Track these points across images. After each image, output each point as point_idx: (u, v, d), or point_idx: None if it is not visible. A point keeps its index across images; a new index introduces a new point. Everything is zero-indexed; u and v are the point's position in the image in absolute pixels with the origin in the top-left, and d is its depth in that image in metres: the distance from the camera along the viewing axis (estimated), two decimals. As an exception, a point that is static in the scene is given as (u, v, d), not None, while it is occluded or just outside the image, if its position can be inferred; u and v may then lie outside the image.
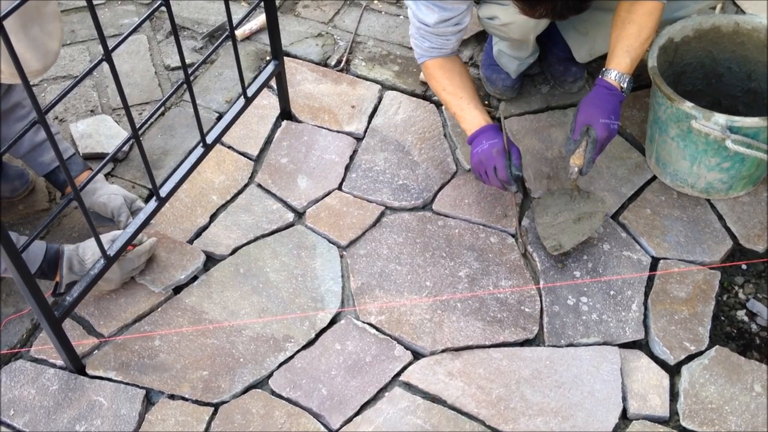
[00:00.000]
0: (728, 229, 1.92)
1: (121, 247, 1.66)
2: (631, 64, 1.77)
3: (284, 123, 2.20)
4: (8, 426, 1.59)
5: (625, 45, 1.76)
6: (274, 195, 2.02)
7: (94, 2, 1.33)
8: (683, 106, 1.79)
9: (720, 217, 1.95)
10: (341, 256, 1.89)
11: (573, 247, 1.83)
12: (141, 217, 1.71)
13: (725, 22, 1.98)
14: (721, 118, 1.75)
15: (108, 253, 1.62)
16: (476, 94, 1.94)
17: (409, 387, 1.66)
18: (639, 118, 2.17)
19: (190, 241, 1.91)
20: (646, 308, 1.77)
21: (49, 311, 1.51)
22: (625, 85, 1.77)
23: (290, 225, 1.96)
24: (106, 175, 2.06)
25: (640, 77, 2.17)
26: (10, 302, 1.78)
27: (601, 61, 1.91)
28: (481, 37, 2.41)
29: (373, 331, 1.75)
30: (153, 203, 1.74)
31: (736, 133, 1.75)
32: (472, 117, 1.89)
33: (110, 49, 1.39)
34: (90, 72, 1.38)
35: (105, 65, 1.41)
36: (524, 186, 2.02)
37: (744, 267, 1.86)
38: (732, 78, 2.06)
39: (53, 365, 1.68)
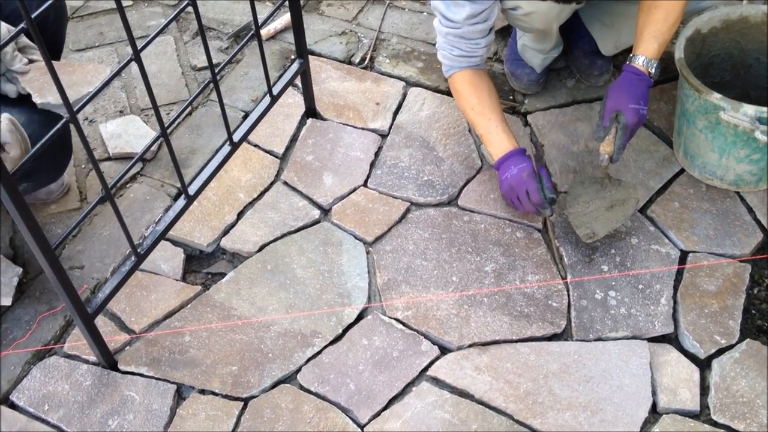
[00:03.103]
0: (758, 222, 1.90)
1: (151, 244, 1.68)
2: (658, 49, 1.76)
3: (309, 121, 2.21)
4: (43, 421, 1.62)
5: (652, 30, 1.75)
6: (300, 192, 2.04)
7: (122, 4, 1.35)
8: (711, 97, 1.77)
9: (750, 210, 1.92)
10: (367, 252, 1.90)
11: (607, 234, 1.82)
12: (170, 215, 1.74)
13: (753, 12, 1.96)
14: (750, 109, 1.73)
15: (138, 251, 1.65)
16: (503, 115, 1.92)
17: (436, 382, 1.66)
18: (666, 111, 2.15)
19: (219, 239, 1.93)
20: (675, 302, 1.76)
21: (82, 308, 1.54)
22: (653, 70, 1.76)
23: (316, 222, 1.97)
24: (135, 175, 2.09)
25: (667, 69, 2.15)
26: (44, 300, 1.81)
27: (627, 53, 1.89)
28: (506, 33, 2.41)
29: (400, 326, 1.75)
30: (182, 201, 1.76)
31: (765, 124, 1.73)
32: (499, 141, 1.87)
33: (138, 49, 1.42)
34: (119, 72, 1.40)
35: (133, 66, 1.43)
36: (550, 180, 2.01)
37: (775, 260, 1.84)
38: (761, 69, 2.03)
39: (86, 361, 1.71)
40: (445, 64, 1.96)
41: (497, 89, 1.97)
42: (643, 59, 1.75)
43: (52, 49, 1.90)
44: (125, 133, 2.17)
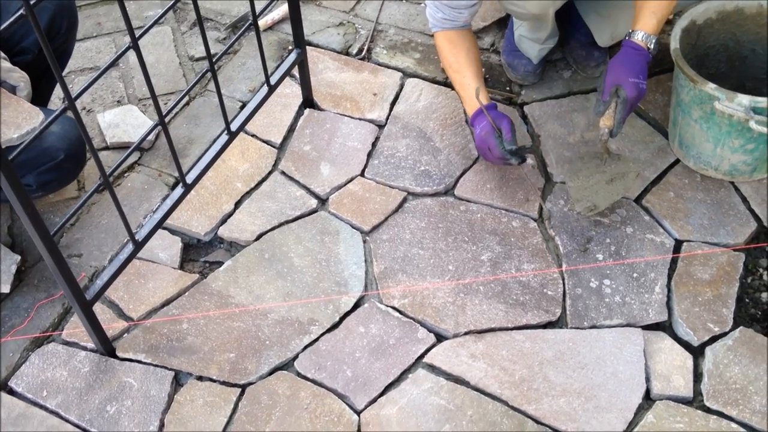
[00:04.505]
0: (752, 211, 1.91)
1: (149, 232, 1.69)
2: (657, 24, 1.78)
3: (307, 111, 2.22)
4: (41, 407, 1.63)
5: (651, 6, 1.77)
6: (297, 182, 2.05)
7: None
8: (706, 87, 1.78)
9: (744, 200, 1.94)
10: (364, 241, 1.91)
11: (608, 207, 1.85)
12: (168, 203, 1.74)
13: (749, 4, 1.97)
14: (744, 99, 1.74)
15: (136, 238, 1.66)
16: (480, 73, 1.99)
17: (432, 369, 1.68)
18: (662, 102, 2.16)
19: (216, 228, 1.94)
20: (669, 290, 1.77)
21: (81, 295, 1.55)
22: (652, 46, 1.78)
23: (314, 211, 1.98)
24: (133, 164, 2.10)
25: (663, 61, 2.17)
26: (42, 287, 1.82)
27: (623, 43, 1.90)
28: (502, 24, 2.41)
29: (397, 314, 1.77)
30: (179, 190, 1.77)
31: (760, 114, 1.74)
32: (470, 98, 1.94)
33: (137, 37, 1.42)
34: (117, 59, 1.41)
35: (131, 56, 1.44)
36: (546, 170, 2.02)
37: (769, 249, 1.85)
38: (756, 60, 2.04)
39: (84, 348, 1.72)
40: (431, 23, 2.05)
41: (494, 80, 1.98)
42: (643, 34, 1.77)
43: (59, 58, 1.92)
44: (123, 122, 2.18)
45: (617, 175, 1.86)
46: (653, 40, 1.78)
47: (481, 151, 1.96)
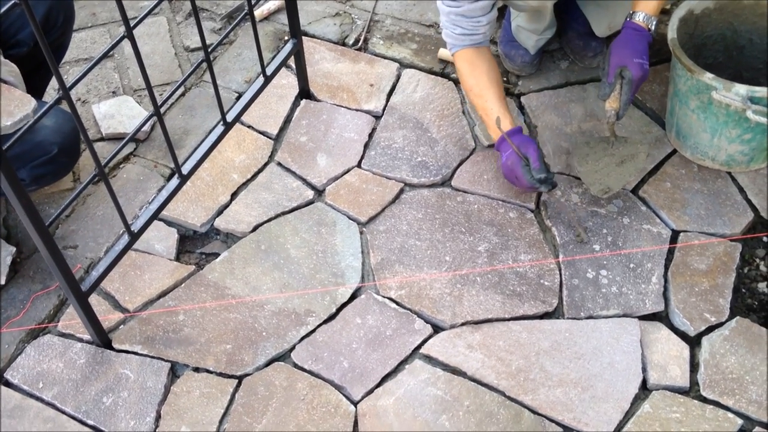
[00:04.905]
0: (749, 202, 1.91)
1: (144, 223, 1.69)
2: (656, 6, 1.79)
3: (303, 102, 2.21)
4: (37, 398, 1.63)
5: None
6: (293, 173, 2.04)
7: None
8: (703, 77, 1.78)
9: (741, 190, 1.94)
10: (361, 233, 1.91)
11: (622, 188, 1.85)
12: (164, 194, 1.74)
13: (746, -7, 1.96)
14: (741, 89, 1.73)
15: (132, 229, 1.65)
16: (501, 95, 1.92)
17: (429, 359, 1.68)
18: (659, 93, 2.16)
19: (212, 219, 1.94)
20: (666, 281, 1.77)
21: (76, 286, 1.55)
22: (653, 27, 1.79)
23: (310, 202, 1.98)
24: (129, 156, 2.09)
25: (660, 51, 2.16)
26: (38, 279, 1.82)
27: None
28: (500, 14, 2.40)
29: (393, 305, 1.76)
30: (175, 181, 1.76)
31: (757, 103, 1.74)
32: (494, 124, 1.89)
33: (131, 26, 1.41)
34: (112, 48, 1.40)
35: (126, 47, 1.43)
36: (543, 161, 2.02)
37: (765, 239, 1.85)
38: (753, 50, 2.03)
39: (80, 340, 1.72)
40: (449, 43, 1.98)
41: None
42: (643, 15, 1.78)
43: (56, 52, 1.91)
44: (118, 113, 2.17)
45: (627, 156, 1.86)
46: (654, 22, 1.79)
47: (508, 179, 1.90)
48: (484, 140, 2.08)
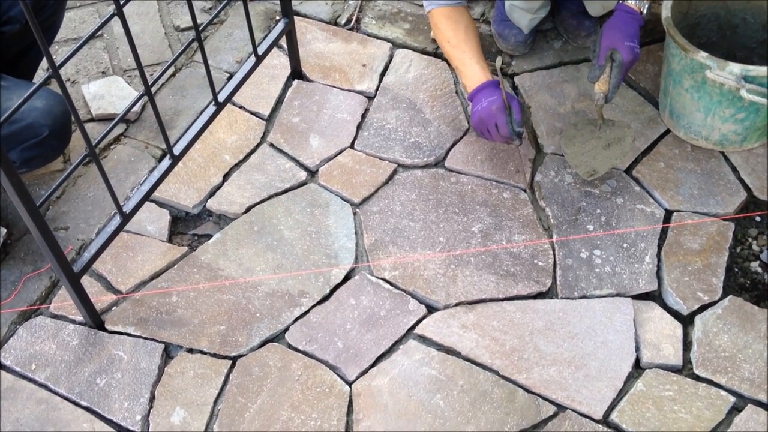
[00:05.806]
0: (742, 181, 1.91)
1: (136, 204, 1.67)
2: None
3: (295, 82, 2.20)
4: (30, 380, 1.62)
5: None
6: (286, 154, 2.03)
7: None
8: (697, 56, 1.77)
9: (734, 169, 1.94)
10: (354, 214, 1.90)
11: (607, 171, 1.85)
12: (156, 175, 1.72)
13: (741, -28, 1.95)
14: (735, 68, 1.73)
15: (124, 210, 1.64)
16: (480, 49, 1.92)
17: (423, 339, 1.68)
18: (652, 72, 2.15)
19: (205, 200, 1.93)
20: (659, 260, 1.78)
21: (69, 267, 1.53)
22: (645, 10, 1.79)
23: (303, 183, 1.97)
24: (119, 136, 2.07)
25: (653, 31, 2.15)
26: (29, 260, 1.80)
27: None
28: (493, -7, 2.39)
29: (387, 286, 1.76)
30: (167, 161, 1.74)
31: (751, 82, 1.73)
32: (472, 73, 1.88)
33: (121, 4, 1.39)
34: (102, 27, 1.38)
35: (115, 27, 1.41)
36: (537, 141, 2.02)
37: (758, 219, 1.86)
38: (747, 29, 2.03)
39: (73, 321, 1.71)
40: (426, 3, 1.97)
41: (484, 50, 1.96)
42: None
43: (48, 31, 1.88)
44: (108, 94, 2.15)
45: (613, 140, 1.86)
46: (646, 5, 1.78)
47: (482, 126, 1.84)
48: (465, 92, 2.04)
